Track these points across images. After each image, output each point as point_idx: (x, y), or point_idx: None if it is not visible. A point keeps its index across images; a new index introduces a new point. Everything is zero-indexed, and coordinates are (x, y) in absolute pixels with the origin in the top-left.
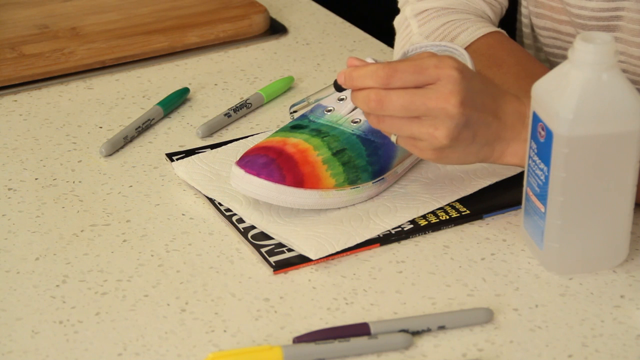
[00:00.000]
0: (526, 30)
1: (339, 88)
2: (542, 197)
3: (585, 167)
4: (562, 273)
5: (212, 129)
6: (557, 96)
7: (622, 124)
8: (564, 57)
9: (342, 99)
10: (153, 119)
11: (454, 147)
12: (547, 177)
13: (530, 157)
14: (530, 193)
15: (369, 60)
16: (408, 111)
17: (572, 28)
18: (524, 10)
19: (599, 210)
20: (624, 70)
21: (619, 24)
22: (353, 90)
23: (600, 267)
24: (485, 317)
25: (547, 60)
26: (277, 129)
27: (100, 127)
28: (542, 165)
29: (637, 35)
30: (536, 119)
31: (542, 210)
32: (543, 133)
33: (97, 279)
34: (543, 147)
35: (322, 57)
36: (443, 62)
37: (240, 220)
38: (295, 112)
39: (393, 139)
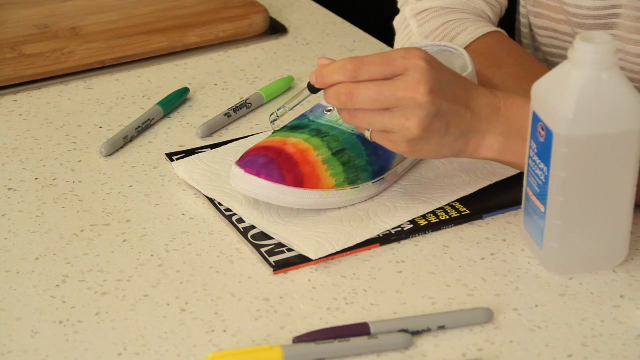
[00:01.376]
0: (524, 29)
1: (313, 90)
2: (542, 197)
3: (585, 167)
4: (562, 273)
5: (212, 129)
6: (557, 96)
7: (622, 123)
8: (562, 57)
9: None
10: (153, 119)
11: (427, 138)
12: (547, 177)
13: (530, 157)
14: (530, 193)
15: None
16: (378, 103)
17: (570, 27)
18: (522, 10)
19: (599, 210)
20: (622, 68)
21: (617, 22)
22: (325, 88)
23: (600, 267)
24: (485, 317)
25: (545, 60)
26: (277, 129)
27: (100, 127)
28: (542, 165)
29: (635, 33)
30: (536, 119)
31: (542, 210)
32: (543, 133)
33: (97, 279)
34: (543, 147)
35: None
36: (410, 53)
37: (240, 220)
38: (275, 120)
39: (367, 135)
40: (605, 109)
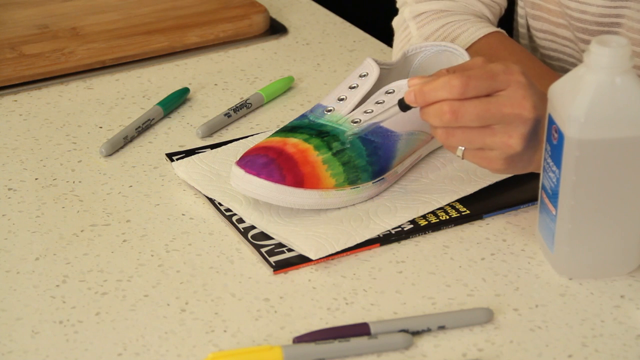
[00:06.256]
0: (522, 30)
1: (404, 107)
2: (554, 199)
3: (597, 170)
4: (573, 277)
5: (212, 129)
6: (570, 99)
7: (635, 128)
8: (559, 60)
9: (342, 99)
10: (153, 119)
11: (522, 154)
12: (558, 180)
13: (544, 159)
14: (544, 195)
15: (369, 61)
16: (483, 120)
17: (570, 32)
18: (520, 11)
19: (611, 216)
20: None
21: (619, 31)
22: (423, 107)
23: (612, 273)
24: (485, 317)
25: (542, 61)
26: (277, 129)
27: (100, 127)
28: (554, 168)
29: (636, 45)
30: (551, 121)
31: (554, 212)
32: (556, 135)
33: (97, 279)
34: (555, 149)
35: (322, 57)
36: (510, 68)
37: (240, 220)
38: (351, 135)
39: (459, 153)
40: (617, 113)
